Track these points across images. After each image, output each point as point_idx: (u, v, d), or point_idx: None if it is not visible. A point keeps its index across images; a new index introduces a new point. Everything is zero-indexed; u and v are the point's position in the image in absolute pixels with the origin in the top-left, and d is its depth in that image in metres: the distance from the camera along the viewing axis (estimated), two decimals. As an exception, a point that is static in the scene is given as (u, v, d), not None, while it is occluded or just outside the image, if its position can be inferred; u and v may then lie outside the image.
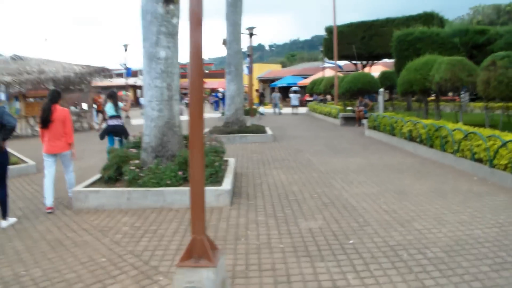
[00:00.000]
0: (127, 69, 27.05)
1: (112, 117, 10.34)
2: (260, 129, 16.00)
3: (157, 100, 8.06)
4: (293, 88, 38.92)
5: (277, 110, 31.46)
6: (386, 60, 37.69)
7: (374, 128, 15.57)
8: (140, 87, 67.16)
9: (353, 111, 21.32)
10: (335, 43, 24.73)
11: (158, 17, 7.88)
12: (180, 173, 7.51)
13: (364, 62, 35.02)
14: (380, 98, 18.20)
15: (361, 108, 20.20)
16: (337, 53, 25.18)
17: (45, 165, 7.54)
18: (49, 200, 7.27)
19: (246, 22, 29.83)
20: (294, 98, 34.30)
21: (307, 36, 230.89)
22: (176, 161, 7.76)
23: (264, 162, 10.95)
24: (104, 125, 10.44)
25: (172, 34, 8.03)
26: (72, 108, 44.80)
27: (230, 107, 16.70)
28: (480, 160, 8.87)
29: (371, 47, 30.97)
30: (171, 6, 7.93)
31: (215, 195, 7.02)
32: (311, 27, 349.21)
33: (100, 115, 23.07)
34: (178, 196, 7.13)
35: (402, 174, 9.03)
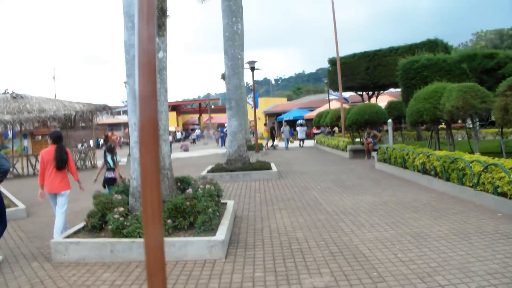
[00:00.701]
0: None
1: (110, 169, 10.27)
2: (264, 166, 15.21)
3: (144, 141, 7.33)
4: (300, 121, 38.36)
5: (286, 144, 30.15)
6: (392, 89, 37.11)
7: (385, 160, 14.74)
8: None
9: (362, 143, 20.52)
10: (339, 74, 24.13)
11: (142, 51, 7.23)
12: (169, 221, 6.71)
13: (370, 93, 34.40)
14: (389, 129, 17.43)
15: (370, 140, 19.40)
16: (341, 85, 24.54)
17: (52, 204, 7.92)
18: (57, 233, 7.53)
19: (250, 56, 29.53)
20: (301, 131, 33.75)
21: (312, 69, 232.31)
22: (165, 207, 6.97)
23: (268, 203, 10.13)
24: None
25: (159, 69, 7.38)
26: (79, 146, 44.66)
27: (232, 144, 15.98)
28: (504, 194, 8.00)
29: (375, 77, 30.40)
30: (156, 39, 7.28)
31: (208, 246, 6.19)
32: (316, 60, 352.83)
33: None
34: (166, 248, 6.29)
35: (418, 213, 8.15)
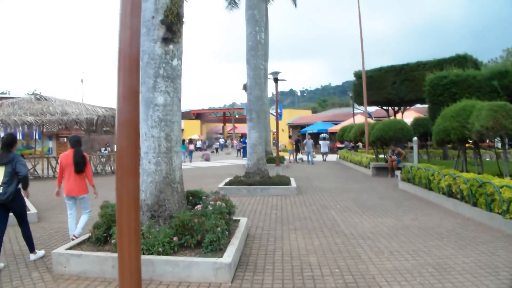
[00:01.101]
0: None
1: None
2: (283, 181, 14.77)
3: (154, 153, 7.04)
4: (322, 135, 37.92)
5: (310, 158, 28.69)
6: (418, 105, 36.27)
7: (408, 180, 14.16)
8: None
9: (386, 161, 19.92)
10: (364, 88, 23.56)
11: (155, 58, 6.95)
12: (175, 238, 6.35)
13: (396, 108, 33.63)
14: (415, 147, 16.82)
15: (394, 157, 18.80)
16: (366, 99, 23.96)
17: (68, 207, 8.04)
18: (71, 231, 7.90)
19: (275, 67, 29.09)
20: (324, 145, 33.34)
21: (338, 82, 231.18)
22: (172, 223, 6.62)
23: (283, 221, 9.69)
24: None
25: (172, 78, 7.07)
26: (102, 150, 44.90)
27: (251, 156, 15.60)
28: (536, 226, 7.44)
29: (402, 92, 29.64)
30: (171, 46, 7.00)
31: (213, 268, 5.80)
32: (342, 73, 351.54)
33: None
34: (170, 267, 5.95)
35: (442, 241, 7.61)
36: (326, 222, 9.40)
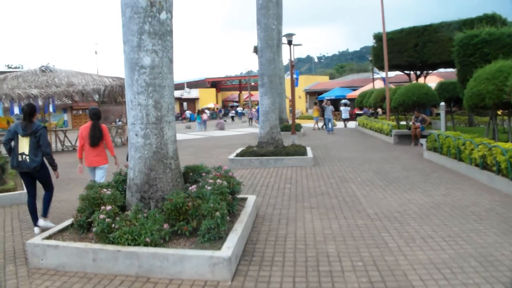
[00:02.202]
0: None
1: None
2: (299, 151, 13.66)
3: (142, 124, 5.98)
4: (343, 101, 36.66)
5: (330, 126, 26.17)
6: (441, 70, 34.48)
7: (435, 149, 12.93)
8: (185, 100, 66.64)
9: (408, 128, 18.62)
10: (385, 51, 22.05)
11: (139, 12, 5.82)
12: (165, 226, 5.33)
13: (418, 72, 31.87)
14: (442, 114, 15.53)
15: (418, 124, 17.50)
16: (387, 62, 22.48)
17: (90, 177, 8.10)
18: None
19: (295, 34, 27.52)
20: (344, 111, 32.37)
21: (356, 47, 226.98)
22: (164, 207, 5.60)
23: (298, 198, 8.63)
24: None
25: (160, 34, 5.94)
26: (117, 121, 44.50)
27: (264, 125, 14.46)
28: None
29: (424, 55, 27.84)
30: (157, -4, 5.84)
31: (209, 264, 4.78)
32: (361, 38, 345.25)
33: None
34: (158, 261, 4.95)
35: (481, 224, 6.46)
36: (346, 199, 8.31)
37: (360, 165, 12.40)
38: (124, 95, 23.07)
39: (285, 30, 26.95)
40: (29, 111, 6.91)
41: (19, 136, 6.78)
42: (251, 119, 40.33)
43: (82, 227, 5.88)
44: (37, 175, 7.00)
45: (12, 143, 6.85)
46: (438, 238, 5.83)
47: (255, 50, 16.80)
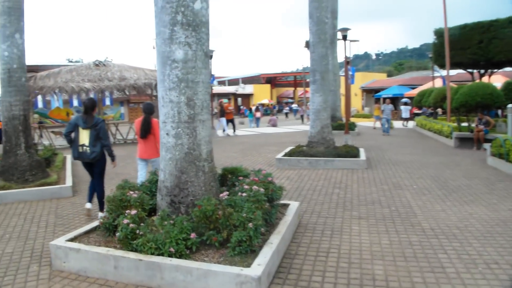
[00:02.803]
0: (212, 76, 25.00)
1: None
2: (351, 152, 12.88)
3: (173, 122, 5.49)
4: (404, 100, 35.37)
5: (387, 127, 24.13)
6: (507, 68, 32.43)
7: (500, 156, 11.81)
8: (240, 96, 66.58)
9: (471, 131, 17.37)
10: (446, 47, 20.76)
11: (172, 1, 5.31)
12: (192, 235, 4.82)
13: (482, 71, 29.96)
14: (509, 117, 14.28)
15: (481, 127, 16.26)
16: (449, 59, 21.14)
17: (138, 167, 8.47)
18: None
19: (349, 31, 26.62)
20: (405, 110, 31.21)
21: (416, 44, 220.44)
22: (193, 214, 5.09)
23: (346, 205, 7.94)
24: None
25: (194, 26, 5.42)
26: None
27: (315, 124, 13.77)
28: None
29: (490, 53, 25.99)
30: (192, -16, 5.32)
31: (236, 282, 4.21)
32: (421, 35, 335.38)
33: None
34: (181, 275, 4.45)
35: (560, 248, 5.58)
36: (399, 209, 7.54)
37: (417, 170, 11.49)
38: None
39: (341, 26, 25.91)
40: (90, 105, 7.34)
41: (80, 129, 7.22)
42: (302, 116, 39.47)
43: (108, 230, 5.50)
44: (96, 164, 7.43)
45: (73, 135, 7.31)
46: (505, 265, 4.99)
47: (307, 45, 16.09)
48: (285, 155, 13.22)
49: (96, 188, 7.64)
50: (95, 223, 5.98)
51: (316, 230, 6.44)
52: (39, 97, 21.36)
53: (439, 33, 27.98)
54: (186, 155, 5.49)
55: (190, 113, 5.45)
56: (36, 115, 22.22)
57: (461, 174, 10.89)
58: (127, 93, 21.84)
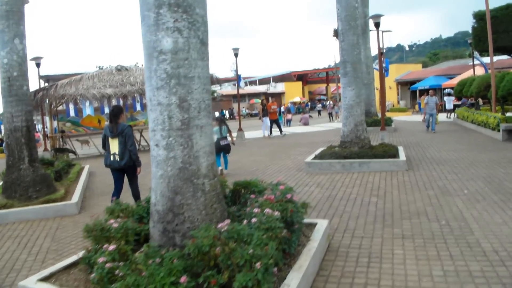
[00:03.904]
0: (238, 76, 23.89)
1: (219, 138, 11.43)
2: (389, 151, 11.51)
3: (163, 130, 4.36)
4: (447, 90, 33.72)
5: (431, 123, 20.32)
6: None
7: None
8: (271, 94, 65.45)
9: (521, 121, 15.68)
10: (489, 30, 18.96)
11: (156, -23, 4.20)
12: (182, 279, 3.66)
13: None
14: None
15: (533, 117, 14.61)
16: (492, 44, 19.33)
17: None
18: None
19: (382, 21, 25.28)
20: (448, 101, 29.77)
21: (450, 33, 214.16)
22: (186, 249, 3.95)
23: (386, 218, 6.65)
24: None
25: (185, 6, 4.29)
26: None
27: (347, 121, 12.45)
28: None
29: (537, 34, 24.03)
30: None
31: None
32: (455, 23, 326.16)
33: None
34: None
35: None
36: (451, 223, 6.20)
37: (465, 170, 10.07)
38: None
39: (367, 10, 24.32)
40: (114, 113, 7.44)
41: (109, 138, 7.39)
42: (330, 113, 37.59)
43: (91, 266, 4.42)
44: (128, 170, 7.55)
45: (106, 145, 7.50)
46: None
47: (335, 33, 14.85)
48: (316, 157, 11.98)
49: (132, 192, 7.81)
50: (76, 257, 4.91)
51: (350, 256, 5.20)
52: (71, 105, 21.09)
53: (479, 16, 26.10)
54: (180, 171, 4.36)
55: (183, 117, 4.32)
56: (68, 124, 21.71)
57: (518, 173, 9.44)
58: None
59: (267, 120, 23.35)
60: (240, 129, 22.85)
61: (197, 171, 4.41)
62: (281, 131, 23.28)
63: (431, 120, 20.20)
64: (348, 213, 7.08)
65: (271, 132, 23.27)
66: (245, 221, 4.23)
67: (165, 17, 4.23)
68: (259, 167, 12.69)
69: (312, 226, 5.48)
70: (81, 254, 4.84)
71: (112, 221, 4.48)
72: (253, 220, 4.17)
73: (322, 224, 5.52)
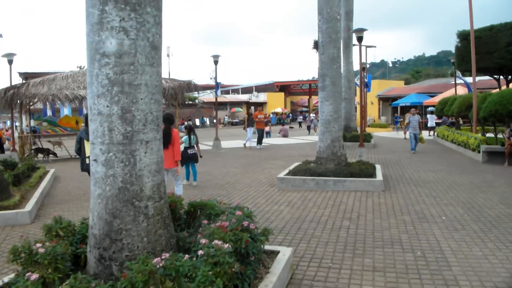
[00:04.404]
0: (217, 83, 23.27)
1: (187, 147, 11.10)
2: (365, 171, 11.04)
3: (102, 143, 3.79)
4: (430, 108, 33.90)
5: (413, 143, 18.93)
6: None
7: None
8: (253, 104, 65.03)
9: (502, 144, 15.39)
10: (472, 50, 18.76)
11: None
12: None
13: (510, 77, 27.69)
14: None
15: (514, 140, 14.32)
16: (475, 64, 19.10)
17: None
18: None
19: (366, 37, 25.25)
20: (431, 119, 30.00)
21: (433, 52, 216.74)
22: (119, 284, 3.37)
23: (357, 247, 6.12)
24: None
25: (134, 3, 3.74)
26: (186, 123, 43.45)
27: (324, 137, 11.97)
28: None
29: (519, 57, 23.85)
30: None
31: None
32: (438, 42, 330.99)
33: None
34: None
35: None
36: (427, 255, 5.69)
37: (444, 193, 9.63)
38: (179, 97, 21.85)
39: (351, 24, 23.99)
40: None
41: (85, 141, 7.45)
42: (309, 126, 36.72)
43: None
44: None
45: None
46: None
47: (315, 45, 14.37)
48: (289, 173, 11.45)
49: None
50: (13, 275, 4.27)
51: (314, 290, 4.66)
52: (47, 105, 20.46)
53: (463, 36, 25.87)
54: (120, 191, 3.79)
55: (126, 130, 3.76)
56: (45, 123, 20.99)
57: (497, 199, 9.01)
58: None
59: (250, 130, 22.17)
60: (216, 138, 22.20)
61: (139, 192, 3.85)
62: (260, 143, 22.35)
63: (415, 141, 18.88)
64: (317, 238, 6.54)
65: (260, 142, 22.21)
66: (188, 255, 3.65)
67: (110, 15, 3.67)
68: (230, 180, 12.12)
69: (274, 254, 4.93)
70: (6, 279, 4.22)
71: (38, 245, 3.86)
72: (200, 252, 3.61)
73: (285, 253, 4.96)
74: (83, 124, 19.36)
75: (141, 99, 3.81)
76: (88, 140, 7.13)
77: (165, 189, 4.18)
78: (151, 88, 3.89)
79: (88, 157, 7.06)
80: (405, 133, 25.97)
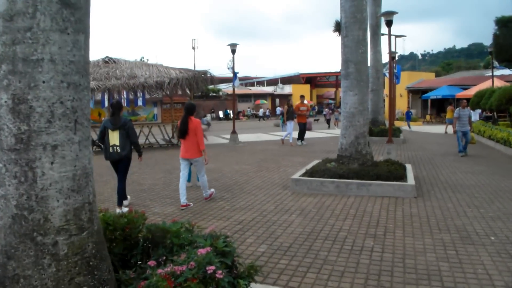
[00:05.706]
0: (234, 74, 21.84)
1: None
2: (394, 172, 9.50)
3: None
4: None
5: (463, 143, 15.32)
6: None
7: None
8: (278, 96, 63.54)
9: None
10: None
11: None
12: None
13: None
14: None
15: None
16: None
17: (181, 167, 8.37)
18: (182, 199, 8.06)
19: (394, 30, 23.49)
20: (475, 114, 27.53)
21: (464, 44, 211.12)
22: None
23: (381, 281, 4.69)
24: None
25: None
26: (208, 116, 42.48)
27: (347, 132, 10.47)
28: None
29: None
30: None
31: None
32: (469, 34, 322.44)
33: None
34: None
35: None
36: (476, 296, 4.26)
37: (489, 203, 8.06)
38: (194, 88, 20.70)
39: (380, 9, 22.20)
40: (118, 107, 7.76)
41: (109, 131, 7.59)
42: (329, 120, 34.17)
43: None
44: (122, 162, 7.75)
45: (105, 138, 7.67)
46: None
47: (337, 27, 12.81)
48: (306, 173, 10.02)
49: (118, 183, 7.80)
50: None
51: None
52: None
53: (502, 22, 23.83)
54: (14, 220, 2.48)
55: (20, 130, 2.43)
56: None
57: (556, 210, 7.44)
58: (164, 93, 20.17)
59: (291, 124, 19.82)
60: (233, 132, 20.86)
61: (43, 223, 2.51)
62: (302, 139, 20.01)
63: (464, 141, 15.36)
64: (331, 265, 5.11)
65: (302, 139, 19.96)
66: None
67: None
68: (240, 179, 10.77)
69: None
70: None
71: None
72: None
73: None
74: (106, 116, 18.63)
75: (44, 82, 2.47)
76: (112, 129, 7.56)
77: (92, 215, 2.83)
78: (61, 66, 2.54)
79: (112, 146, 7.57)
80: (447, 127, 24.12)
